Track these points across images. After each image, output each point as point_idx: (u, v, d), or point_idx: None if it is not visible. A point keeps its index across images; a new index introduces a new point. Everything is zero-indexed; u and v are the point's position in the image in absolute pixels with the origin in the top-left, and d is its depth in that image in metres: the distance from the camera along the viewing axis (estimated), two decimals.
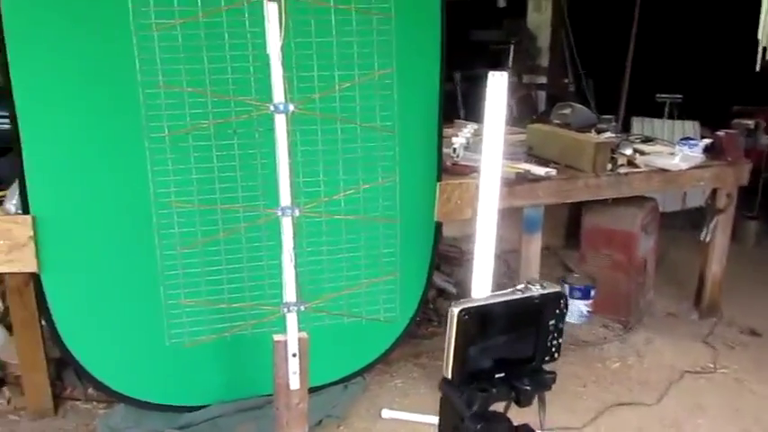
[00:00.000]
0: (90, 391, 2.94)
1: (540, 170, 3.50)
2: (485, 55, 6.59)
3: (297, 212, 2.16)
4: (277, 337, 2.06)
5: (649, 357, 3.53)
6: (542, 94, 6.65)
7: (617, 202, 3.78)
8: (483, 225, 2.38)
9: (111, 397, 2.67)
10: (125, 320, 2.50)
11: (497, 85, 2.34)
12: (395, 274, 2.48)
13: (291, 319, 2.15)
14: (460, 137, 3.70)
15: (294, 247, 2.19)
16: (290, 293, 2.20)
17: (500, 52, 6.58)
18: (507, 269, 4.23)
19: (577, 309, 3.83)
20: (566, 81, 6.51)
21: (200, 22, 2.05)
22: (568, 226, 4.65)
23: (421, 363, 3.40)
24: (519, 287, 1.45)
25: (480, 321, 1.37)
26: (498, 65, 6.34)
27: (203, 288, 2.25)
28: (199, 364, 2.58)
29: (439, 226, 3.08)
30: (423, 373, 3.31)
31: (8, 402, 2.93)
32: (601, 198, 3.63)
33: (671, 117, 6.21)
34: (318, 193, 2.28)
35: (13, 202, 2.58)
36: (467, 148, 3.68)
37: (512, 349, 1.43)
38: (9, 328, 3.14)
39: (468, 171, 3.50)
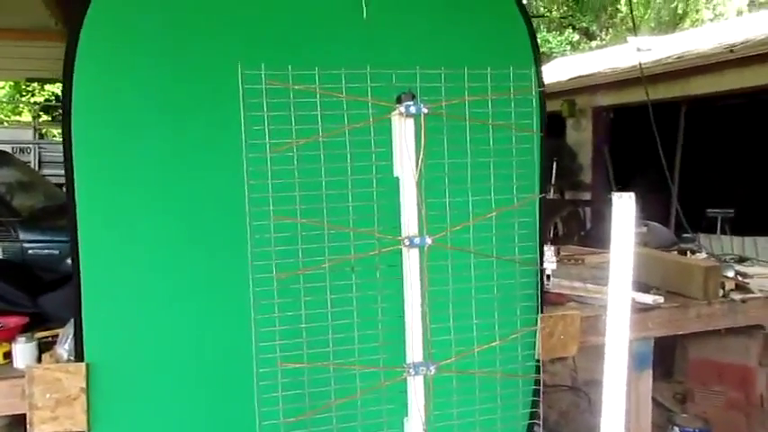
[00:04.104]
0: None
1: (645, 297, 3.12)
2: None
3: (432, 370, 1.75)
4: None
5: None
6: (588, 211, 6.41)
7: (725, 331, 3.37)
8: (612, 364, 1.97)
9: None
10: None
11: (624, 208, 2.03)
12: None
13: None
14: (548, 262, 3.36)
15: (427, 416, 1.75)
16: None
17: None
18: (588, 404, 3.77)
19: None
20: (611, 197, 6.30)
21: (320, 142, 1.72)
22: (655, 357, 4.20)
23: None
24: None
25: None
26: None
27: None
28: None
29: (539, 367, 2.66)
30: None
31: None
32: (712, 328, 3.23)
33: (723, 232, 5.98)
34: (448, 343, 1.86)
35: (65, 347, 2.18)
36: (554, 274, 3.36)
37: None
38: None
39: (563, 300, 3.14)
